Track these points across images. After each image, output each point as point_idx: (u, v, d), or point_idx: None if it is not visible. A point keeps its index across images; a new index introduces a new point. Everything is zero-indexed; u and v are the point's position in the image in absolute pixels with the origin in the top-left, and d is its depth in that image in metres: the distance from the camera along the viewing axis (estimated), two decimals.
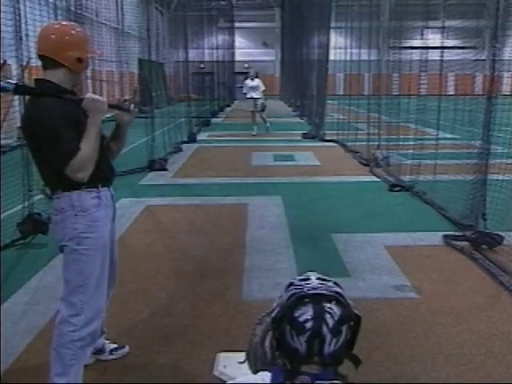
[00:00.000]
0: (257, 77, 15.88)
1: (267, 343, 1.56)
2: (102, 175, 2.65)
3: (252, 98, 15.60)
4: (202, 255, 5.08)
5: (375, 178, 8.84)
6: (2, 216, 5.30)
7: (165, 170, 9.60)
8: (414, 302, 3.99)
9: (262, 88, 15.78)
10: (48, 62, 2.55)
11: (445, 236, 5.43)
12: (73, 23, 2.86)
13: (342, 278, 4.05)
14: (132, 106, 2.66)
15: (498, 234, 5.04)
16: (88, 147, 2.44)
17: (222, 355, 3.08)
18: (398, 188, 7.79)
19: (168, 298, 4.06)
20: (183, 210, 6.77)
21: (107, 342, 3.16)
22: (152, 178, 8.98)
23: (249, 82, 15.76)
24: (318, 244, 5.41)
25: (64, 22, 3.04)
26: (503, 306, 3.93)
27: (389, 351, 3.27)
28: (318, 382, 1.31)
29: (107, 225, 2.70)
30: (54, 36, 2.55)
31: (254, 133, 15.34)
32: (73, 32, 2.60)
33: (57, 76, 2.55)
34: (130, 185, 8.07)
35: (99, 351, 3.10)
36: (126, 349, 3.22)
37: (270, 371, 1.37)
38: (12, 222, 5.36)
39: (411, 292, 4.18)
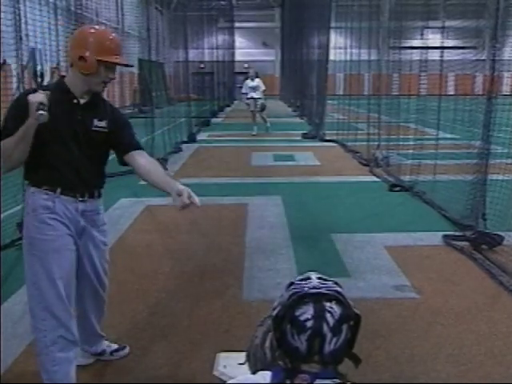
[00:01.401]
0: (257, 77, 15.86)
1: (267, 344, 1.56)
2: (64, 182, 2.54)
3: (252, 98, 15.60)
4: (201, 255, 5.07)
5: (375, 178, 8.84)
6: (2, 216, 5.29)
7: (165, 169, 9.59)
8: (414, 302, 3.99)
9: (263, 88, 15.76)
10: None
11: (445, 236, 5.43)
12: (103, 27, 2.83)
13: (342, 278, 4.05)
14: (42, 112, 2.35)
15: (497, 234, 5.03)
16: (5, 143, 2.37)
17: (222, 355, 3.07)
18: (398, 188, 7.79)
19: (168, 298, 4.06)
20: (183, 210, 6.75)
21: (107, 342, 3.15)
22: None
23: (249, 82, 15.75)
24: (317, 244, 5.41)
25: (94, 26, 3.03)
26: (503, 306, 3.93)
27: (389, 351, 3.27)
28: (318, 380, 1.31)
29: (62, 230, 2.55)
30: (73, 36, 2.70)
31: (254, 133, 15.34)
32: (85, 31, 2.60)
33: (69, 75, 2.60)
34: (129, 185, 8.06)
35: (99, 354, 3.11)
36: (127, 350, 3.21)
37: (270, 370, 1.37)
38: (12, 222, 5.35)
39: (411, 292, 4.18)
